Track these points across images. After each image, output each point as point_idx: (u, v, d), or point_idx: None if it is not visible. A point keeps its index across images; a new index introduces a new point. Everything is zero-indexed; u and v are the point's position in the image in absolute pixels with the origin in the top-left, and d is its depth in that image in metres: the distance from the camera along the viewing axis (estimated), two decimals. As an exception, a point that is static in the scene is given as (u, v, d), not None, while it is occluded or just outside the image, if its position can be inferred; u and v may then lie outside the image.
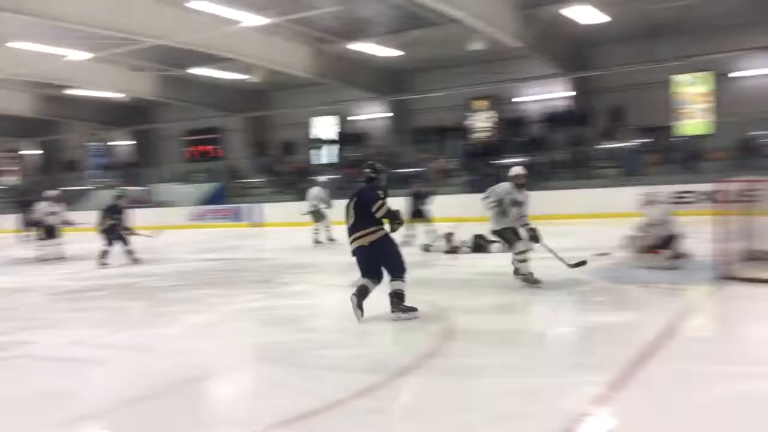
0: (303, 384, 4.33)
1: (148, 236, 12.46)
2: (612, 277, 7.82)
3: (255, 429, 3.58)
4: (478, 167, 20.94)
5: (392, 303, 6.08)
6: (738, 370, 4.18)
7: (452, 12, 14.73)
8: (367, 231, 6.03)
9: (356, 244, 6.11)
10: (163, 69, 23.19)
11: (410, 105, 25.73)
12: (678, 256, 8.09)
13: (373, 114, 26.16)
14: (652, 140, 19.34)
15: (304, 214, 14.35)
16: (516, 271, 7.58)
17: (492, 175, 19.87)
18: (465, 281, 8.41)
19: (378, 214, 5.97)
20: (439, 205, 18.55)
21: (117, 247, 11.59)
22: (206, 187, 26.27)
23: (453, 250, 11.18)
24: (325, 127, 27.21)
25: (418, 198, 13.18)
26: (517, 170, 7.60)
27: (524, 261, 7.48)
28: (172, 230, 16.98)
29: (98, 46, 17.96)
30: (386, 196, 6.21)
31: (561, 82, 22.03)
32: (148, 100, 26.57)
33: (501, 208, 7.46)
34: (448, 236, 11.60)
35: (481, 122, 24.36)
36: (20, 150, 35.71)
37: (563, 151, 20.57)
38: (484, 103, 24.24)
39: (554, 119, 21.33)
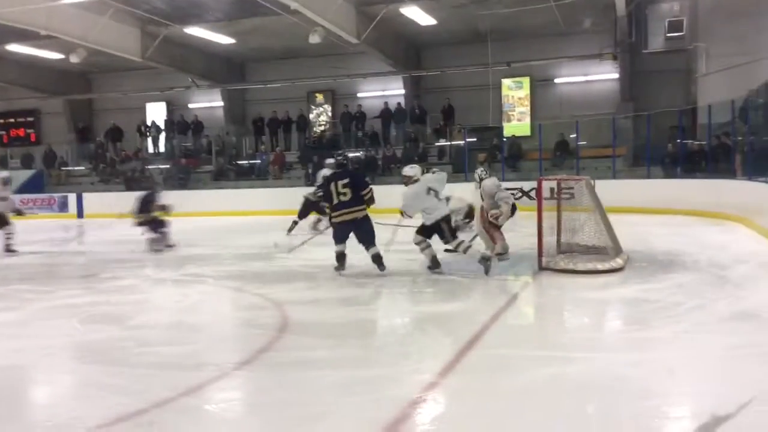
0: (128, 384, 4.10)
1: None
2: (442, 269, 8.16)
3: (74, 435, 3.34)
4: (316, 160, 20.99)
5: (379, 263, 7.66)
6: (551, 355, 4.53)
7: (287, 2, 14.59)
8: (358, 208, 7.69)
9: (346, 217, 7.70)
10: (-30, 44, 20.91)
11: (248, 95, 25.23)
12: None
13: (207, 103, 25.31)
14: (480, 140, 20.48)
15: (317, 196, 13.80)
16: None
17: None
18: (302, 274, 8.39)
19: (366, 197, 7.74)
20: (280, 197, 18.42)
21: None
22: (21, 175, 24.04)
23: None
24: (156, 114, 25.91)
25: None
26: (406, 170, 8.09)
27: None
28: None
29: None
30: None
31: (398, 79, 22.67)
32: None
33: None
34: (315, 224, 12.29)
35: (321, 116, 24.45)
36: None
37: (399, 147, 21.18)
38: (324, 97, 24.35)
39: (391, 116, 21.87)
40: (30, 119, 27.47)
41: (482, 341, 4.85)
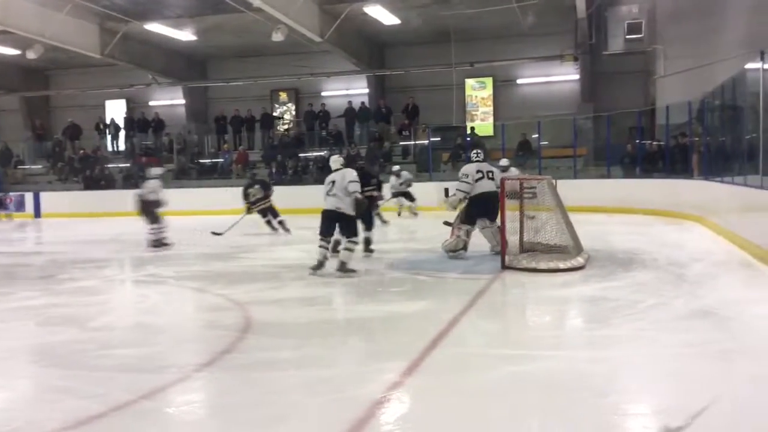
0: (87, 387, 4.01)
1: None
2: (407, 268, 8.19)
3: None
4: (280, 160, 20.89)
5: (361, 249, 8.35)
6: (513, 353, 4.58)
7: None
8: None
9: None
10: None
11: (210, 93, 24.94)
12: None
13: (168, 100, 24.95)
14: (443, 139, 20.60)
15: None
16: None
17: (293, 168, 20.00)
18: (266, 274, 8.33)
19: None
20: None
21: None
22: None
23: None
24: (115, 111, 25.43)
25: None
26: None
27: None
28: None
29: None
30: None
31: (362, 79, 22.66)
32: None
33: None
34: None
35: (284, 114, 24.31)
36: None
37: (363, 146, 21.16)
38: (287, 96, 24.20)
39: (355, 115, 21.84)
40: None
41: (446, 340, 4.87)
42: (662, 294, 6.32)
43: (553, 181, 8.90)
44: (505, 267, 7.77)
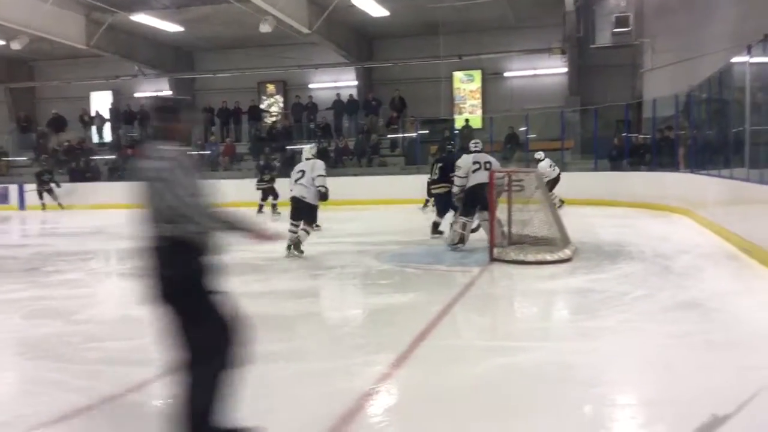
0: (73, 380, 3.98)
1: None
2: (395, 261, 8.19)
3: (18, 431, 3.23)
4: (267, 152, 20.77)
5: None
6: (501, 345, 4.60)
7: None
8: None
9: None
10: None
11: (197, 85, 24.77)
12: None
13: (155, 92, 24.71)
14: (432, 132, 20.59)
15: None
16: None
17: (281, 161, 19.90)
18: (253, 266, 8.29)
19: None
20: (229, 189, 18.01)
21: None
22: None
23: None
24: (101, 103, 25.20)
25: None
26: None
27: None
28: None
29: None
30: None
31: (350, 71, 22.58)
32: None
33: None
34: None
35: (272, 107, 24.20)
36: None
37: (352, 138, 21.12)
38: (275, 88, 24.09)
39: (343, 107, 21.78)
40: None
41: (435, 332, 4.87)
42: (649, 286, 6.35)
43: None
44: (493, 259, 7.78)
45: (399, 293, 6.50)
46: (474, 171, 8.59)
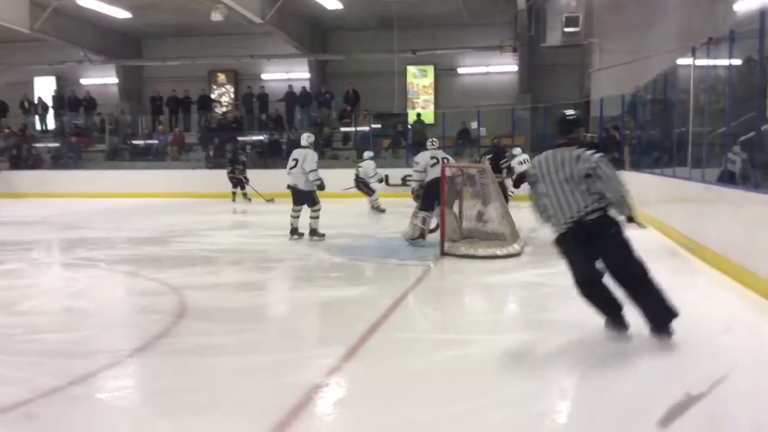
0: (13, 373, 3.84)
1: None
2: (347, 254, 8.17)
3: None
4: (217, 143, 20.46)
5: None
6: (451, 338, 4.63)
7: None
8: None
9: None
10: None
11: (145, 72, 24.20)
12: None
13: (101, 79, 24.06)
14: (384, 126, 20.60)
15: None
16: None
17: (231, 152, 19.62)
18: (201, 258, 8.17)
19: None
20: (178, 179, 17.89)
21: None
22: None
23: None
24: (45, 89, 24.38)
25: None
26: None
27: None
28: None
29: None
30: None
31: (303, 62, 22.39)
32: None
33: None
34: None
35: (223, 96, 23.83)
36: None
37: (305, 131, 20.92)
38: (226, 77, 23.72)
39: (296, 99, 21.59)
40: None
41: (385, 325, 4.87)
42: (595, 281, 6.47)
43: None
44: (444, 253, 7.83)
45: (350, 286, 6.49)
46: (432, 166, 8.62)
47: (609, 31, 17.22)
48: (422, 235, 8.66)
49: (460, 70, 21.75)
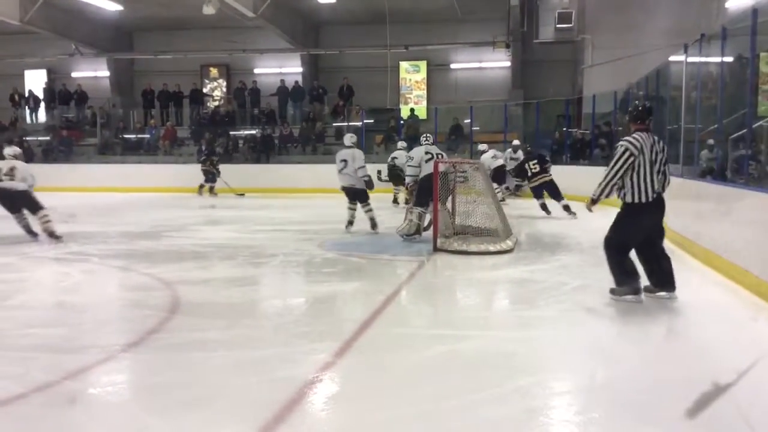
0: (5, 368, 3.83)
1: None
2: (339, 249, 8.18)
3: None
4: (209, 137, 20.38)
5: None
6: (444, 333, 4.64)
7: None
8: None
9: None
10: None
11: (136, 66, 24.09)
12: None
13: (92, 72, 23.94)
14: (377, 121, 20.58)
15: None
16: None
17: (223, 146, 19.58)
18: (194, 253, 8.15)
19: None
20: (170, 173, 17.84)
21: None
22: None
23: None
24: (35, 82, 24.23)
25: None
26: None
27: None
28: None
29: None
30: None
31: (296, 57, 22.34)
32: None
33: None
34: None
35: (215, 91, 23.75)
36: None
37: (296, 126, 20.92)
38: (218, 71, 23.64)
39: (288, 94, 21.54)
40: None
41: (378, 321, 4.88)
42: (586, 276, 6.53)
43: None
44: (436, 249, 7.85)
45: (343, 282, 6.50)
46: (427, 161, 8.62)
47: (602, 28, 17.27)
48: (418, 231, 8.67)
49: (452, 66, 21.76)
